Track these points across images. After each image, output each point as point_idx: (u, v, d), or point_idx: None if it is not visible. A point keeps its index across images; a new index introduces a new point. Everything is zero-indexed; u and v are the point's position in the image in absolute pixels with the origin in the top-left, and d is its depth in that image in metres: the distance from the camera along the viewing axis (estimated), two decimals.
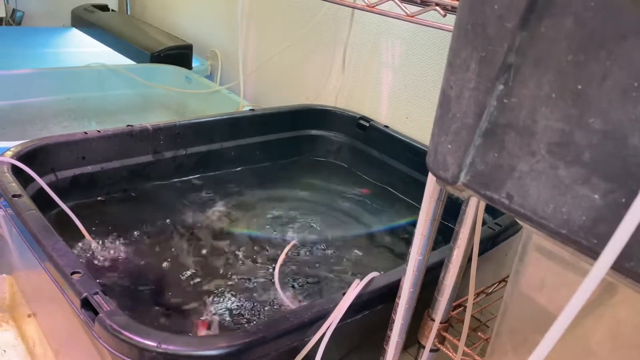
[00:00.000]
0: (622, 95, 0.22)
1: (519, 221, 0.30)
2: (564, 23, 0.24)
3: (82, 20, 1.56)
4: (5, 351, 0.69)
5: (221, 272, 0.70)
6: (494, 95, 0.27)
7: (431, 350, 0.50)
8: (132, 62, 1.34)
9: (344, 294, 0.51)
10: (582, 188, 0.25)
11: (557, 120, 0.25)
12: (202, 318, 0.61)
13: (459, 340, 0.47)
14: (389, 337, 0.48)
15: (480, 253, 0.45)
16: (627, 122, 0.22)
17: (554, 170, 0.25)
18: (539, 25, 0.25)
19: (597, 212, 0.24)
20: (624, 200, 0.23)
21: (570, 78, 0.24)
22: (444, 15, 0.51)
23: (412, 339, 0.51)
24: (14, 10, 1.62)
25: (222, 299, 0.65)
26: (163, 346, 0.42)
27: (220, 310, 0.63)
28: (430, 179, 0.39)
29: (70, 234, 0.66)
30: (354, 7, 0.60)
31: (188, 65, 1.35)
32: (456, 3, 0.48)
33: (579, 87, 0.24)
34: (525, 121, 0.26)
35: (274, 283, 0.68)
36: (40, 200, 0.63)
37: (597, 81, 0.23)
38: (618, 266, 0.23)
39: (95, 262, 0.68)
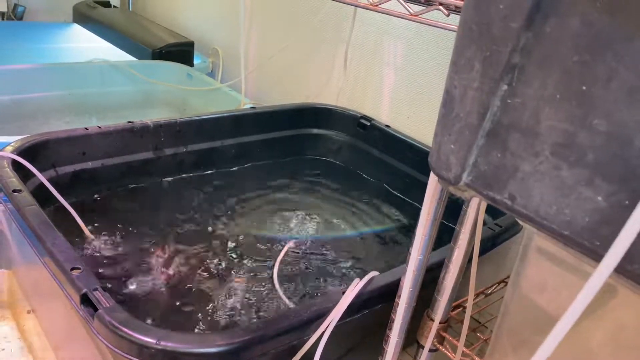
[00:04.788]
0: (628, 97, 0.22)
1: (521, 222, 0.30)
2: (569, 23, 0.24)
3: (83, 16, 1.56)
4: (4, 348, 0.69)
5: (220, 269, 0.70)
6: (498, 95, 0.27)
7: (430, 350, 0.50)
8: (134, 59, 1.33)
9: (343, 293, 0.51)
10: (585, 189, 0.24)
11: (561, 121, 0.25)
12: None
13: (458, 340, 0.47)
14: (389, 336, 0.47)
15: (480, 254, 0.45)
16: (632, 124, 0.22)
17: (557, 171, 0.25)
18: (545, 25, 0.24)
19: (600, 214, 0.24)
20: (627, 202, 0.23)
21: (575, 79, 0.24)
22: (448, 15, 0.51)
23: (411, 339, 0.51)
24: (15, 5, 1.61)
25: (221, 297, 0.65)
26: (162, 343, 0.42)
27: (219, 308, 0.63)
28: (432, 179, 0.39)
29: (70, 230, 0.66)
30: (357, 6, 0.60)
31: (189, 62, 1.35)
32: (460, 3, 0.48)
33: (584, 88, 0.24)
34: (529, 122, 0.26)
35: (273, 281, 0.68)
36: (41, 195, 0.63)
37: (602, 82, 0.23)
38: (621, 268, 0.23)
39: (95, 258, 0.68)
